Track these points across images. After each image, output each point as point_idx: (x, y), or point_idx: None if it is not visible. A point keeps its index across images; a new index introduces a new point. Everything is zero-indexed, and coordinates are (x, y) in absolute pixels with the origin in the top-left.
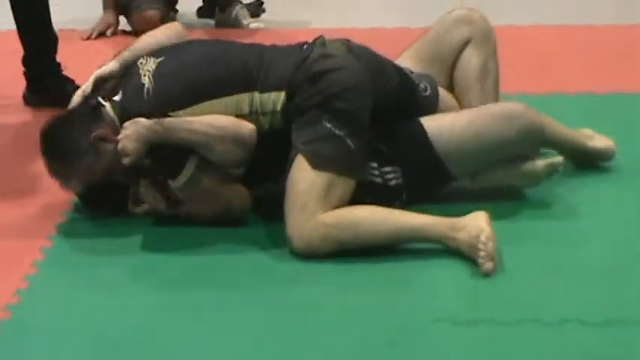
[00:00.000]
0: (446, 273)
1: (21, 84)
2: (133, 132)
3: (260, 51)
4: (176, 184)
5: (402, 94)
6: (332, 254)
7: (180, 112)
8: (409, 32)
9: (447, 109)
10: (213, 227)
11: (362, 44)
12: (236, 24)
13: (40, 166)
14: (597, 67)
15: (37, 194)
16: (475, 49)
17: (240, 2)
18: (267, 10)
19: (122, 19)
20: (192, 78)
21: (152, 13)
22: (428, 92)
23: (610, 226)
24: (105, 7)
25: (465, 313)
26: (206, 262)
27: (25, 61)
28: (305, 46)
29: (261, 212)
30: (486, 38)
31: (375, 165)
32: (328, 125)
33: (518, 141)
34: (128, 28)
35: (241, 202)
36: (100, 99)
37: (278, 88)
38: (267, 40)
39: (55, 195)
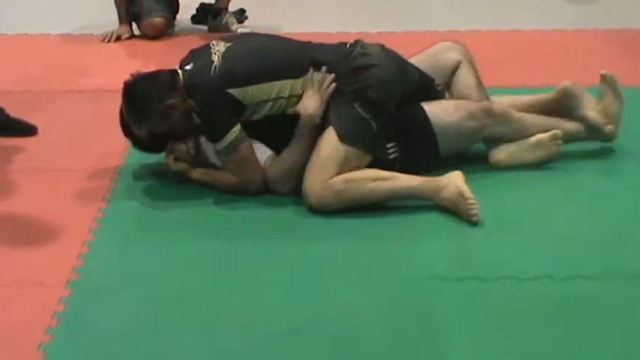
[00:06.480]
0: (432, 228)
1: None
2: (324, 98)
3: (310, 47)
4: (217, 146)
5: (420, 88)
6: (341, 210)
7: (237, 90)
8: (369, 36)
9: None
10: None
11: (390, 48)
12: (226, 29)
13: None
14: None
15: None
16: (467, 69)
17: (228, 10)
18: (249, 17)
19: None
20: (255, 62)
21: (159, 20)
22: (440, 87)
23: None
24: (120, 20)
25: (452, 270)
26: (233, 221)
27: None
28: (347, 45)
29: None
30: (472, 60)
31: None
32: (359, 109)
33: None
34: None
35: (259, 180)
36: (178, 67)
37: None
38: None
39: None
